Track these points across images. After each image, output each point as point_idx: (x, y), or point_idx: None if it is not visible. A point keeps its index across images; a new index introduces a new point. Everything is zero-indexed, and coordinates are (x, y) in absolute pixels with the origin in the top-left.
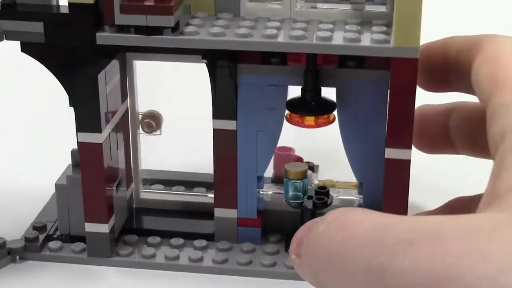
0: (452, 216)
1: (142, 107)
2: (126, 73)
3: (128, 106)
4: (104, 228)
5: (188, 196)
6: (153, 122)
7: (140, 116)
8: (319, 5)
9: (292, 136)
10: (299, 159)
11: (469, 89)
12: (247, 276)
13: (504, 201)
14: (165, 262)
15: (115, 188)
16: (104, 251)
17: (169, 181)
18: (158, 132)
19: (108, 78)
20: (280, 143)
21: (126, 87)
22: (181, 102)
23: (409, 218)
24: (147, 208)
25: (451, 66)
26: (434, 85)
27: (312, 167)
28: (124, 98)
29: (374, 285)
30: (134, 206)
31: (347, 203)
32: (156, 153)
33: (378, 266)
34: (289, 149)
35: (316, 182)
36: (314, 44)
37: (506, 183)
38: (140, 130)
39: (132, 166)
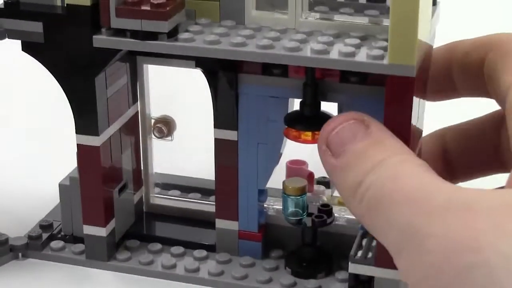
0: (487, 190)
1: (156, 111)
2: (136, 77)
3: (139, 110)
4: (101, 231)
5: (199, 204)
6: (164, 127)
7: (153, 120)
8: (327, 16)
9: (307, 150)
10: (311, 174)
11: (477, 91)
12: None
13: None
14: (161, 271)
15: (116, 191)
16: (101, 254)
17: (183, 187)
18: (169, 138)
19: (109, 81)
20: (294, 157)
21: (136, 91)
22: (196, 108)
23: (450, 187)
24: (157, 214)
25: (457, 69)
26: (439, 93)
27: (327, 183)
28: (133, 101)
29: (406, 242)
30: (144, 210)
31: (354, 223)
32: (169, 158)
33: (413, 226)
34: (302, 163)
35: (324, 199)
36: (307, 57)
37: None
38: (152, 135)
39: (142, 170)
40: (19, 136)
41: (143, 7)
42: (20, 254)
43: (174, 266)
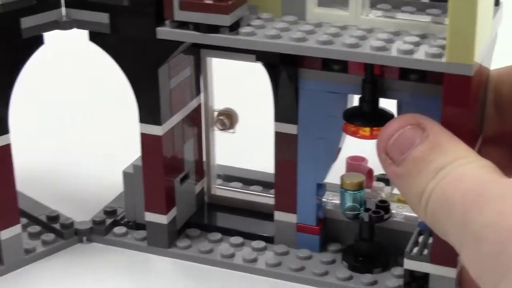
0: None
1: (219, 104)
2: (200, 69)
3: (202, 102)
4: (162, 219)
5: (260, 197)
6: (227, 120)
7: (216, 113)
8: (388, 14)
9: (368, 146)
10: (370, 171)
11: None
12: (296, 282)
13: None
14: (220, 260)
15: (178, 181)
16: (162, 241)
17: (245, 179)
18: (231, 130)
19: (173, 73)
20: (354, 153)
21: (200, 83)
22: (259, 101)
23: (507, 182)
24: (218, 204)
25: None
26: (503, 118)
27: (387, 180)
28: (197, 93)
29: (464, 235)
30: (205, 201)
31: (412, 220)
32: (231, 151)
33: (469, 218)
34: (362, 159)
35: (383, 195)
36: (365, 53)
37: None
38: (215, 127)
39: (204, 161)
40: (90, 123)
41: (206, 1)
42: (84, 238)
43: (232, 256)
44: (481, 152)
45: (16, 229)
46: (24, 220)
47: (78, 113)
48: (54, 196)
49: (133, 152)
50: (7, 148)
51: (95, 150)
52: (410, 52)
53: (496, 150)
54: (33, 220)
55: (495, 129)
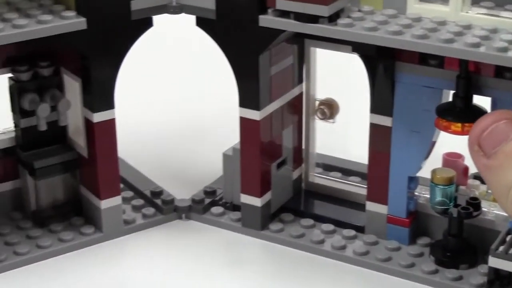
0: None
1: (321, 93)
2: (303, 59)
3: (304, 90)
4: (257, 201)
5: (356, 187)
6: (327, 110)
7: (317, 102)
8: (489, 12)
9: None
10: (466, 168)
11: None
12: (382, 272)
13: None
14: (309, 245)
15: (275, 166)
16: (255, 223)
17: (343, 169)
18: (331, 120)
19: (274, 60)
20: (451, 149)
21: (302, 72)
22: (359, 93)
23: None
24: (314, 192)
25: None
26: None
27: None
28: (298, 82)
29: None
30: (303, 188)
31: (503, 219)
32: (330, 140)
33: None
34: (459, 156)
35: (476, 193)
36: (458, 49)
37: None
38: (315, 116)
39: (303, 149)
40: (198, 105)
41: None
42: (183, 215)
43: (322, 242)
44: None
45: (116, 200)
46: (130, 193)
47: (183, 95)
48: (160, 173)
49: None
50: (111, 122)
51: (200, 131)
52: (505, 50)
53: None
54: (138, 193)
55: None
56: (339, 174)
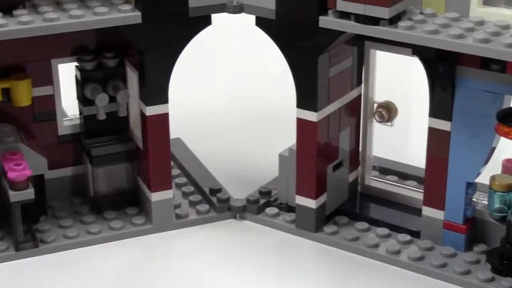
0: None
1: (379, 96)
2: (362, 61)
3: (362, 93)
4: (311, 203)
5: (411, 190)
6: (385, 112)
7: (375, 105)
8: None
9: None
10: None
11: None
12: (436, 278)
13: None
14: (363, 248)
15: (331, 168)
16: (310, 225)
17: (400, 173)
18: (389, 123)
19: (333, 62)
20: None
21: (361, 74)
22: (418, 96)
23: None
24: (370, 195)
25: None
26: None
27: None
28: (357, 84)
29: None
30: (359, 191)
31: None
32: (388, 144)
33: None
34: None
35: None
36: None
37: None
38: (373, 119)
39: (360, 151)
40: (255, 105)
41: None
42: (238, 215)
43: (376, 246)
44: None
45: (167, 194)
46: (191, 188)
47: (240, 95)
48: (216, 172)
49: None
50: (164, 117)
51: (255, 132)
52: None
53: None
54: (199, 189)
55: None
56: (395, 178)
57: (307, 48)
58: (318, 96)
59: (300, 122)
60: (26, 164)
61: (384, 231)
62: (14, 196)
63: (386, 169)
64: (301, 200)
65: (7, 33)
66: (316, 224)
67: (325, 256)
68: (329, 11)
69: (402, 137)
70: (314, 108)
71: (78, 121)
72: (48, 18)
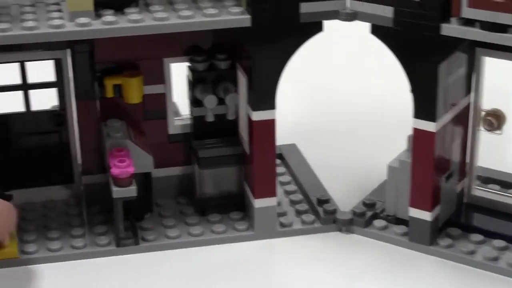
0: None
1: (486, 104)
2: (473, 68)
3: (471, 101)
4: (427, 215)
5: None
6: (494, 120)
7: (483, 113)
8: None
9: None
10: None
11: None
12: None
13: None
14: (483, 262)
15: (444, 179)
16: (424, 238)
17: (505, 182)
18: (498, 131)
19: (450, 70)
20: None
21: (471, 82)
22: None
23: None
24: (477, 205)
25: None
26: None
27: None
28: (467, 92)
29: None
30: (464, 201)
31: None
32: (495, 152)
33: None
34: None
35: None
36: None
37: None
38: (481, 127)
39: (467, 161)
40: (361, 113)
41: None
42: (343, 228)
43: (496, 259)
44: None
45: (270, 201)
46: (300, 197)
47: (348, 103)
48: (326, 179)
49: (395, 147)
50: (271, 123)
51: (360, 140)
52: None
53: None
54: (307, 198)
55: None
56: (497, 187)
57: (427, 57)
58: (438, 106)
59: (417, 132)
60: (131, 161)
61: (500, 243)
62: (117, 192)
63: (488, 178)
64: (415, 213)
65: (117, 31)
66: (431, 237)
67: (442, 269)
68: (452, 19)
69: (509, 145)
70: (433, 118)
71: (188, 121)
72: (157, 17)
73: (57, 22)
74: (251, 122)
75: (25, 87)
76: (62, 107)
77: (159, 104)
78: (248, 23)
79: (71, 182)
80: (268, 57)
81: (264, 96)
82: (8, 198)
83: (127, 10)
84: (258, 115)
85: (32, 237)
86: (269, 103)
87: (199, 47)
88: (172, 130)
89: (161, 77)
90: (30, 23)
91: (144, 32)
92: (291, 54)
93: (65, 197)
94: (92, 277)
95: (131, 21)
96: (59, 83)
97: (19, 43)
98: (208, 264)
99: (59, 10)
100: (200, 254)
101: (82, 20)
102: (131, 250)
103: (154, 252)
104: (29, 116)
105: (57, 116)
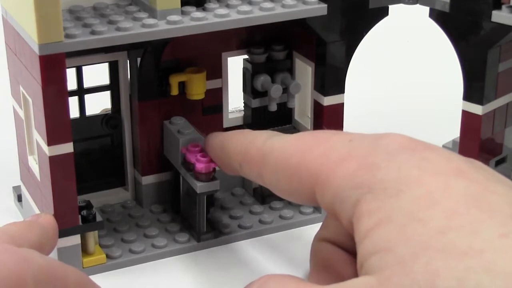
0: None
1: None
2: None
3: None
4: None
5: None
6: None
7: None
8: None
9: None
10: None
11: None
12: None
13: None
14: None
15: (493, 162)
16: None
17: None
18: None
19: (504, 57)
20: None
21: None
22: None
23: None
24: None
25: None
26: None
27: None
28: None
29: None
30: None
31: None
32: None
33: None
34: None
35: None
36: None
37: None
38: None
39: None
40: (421, 96)
41: None
42: None
43: None
44: None
45: None
46: None
47: (408, 85)
48: None
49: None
50: (340, 107)
51: (420, 124)
52: None
53: None
54: None
55: None
56: None
57: (478, 42)
58: (485, 90)
59: (465, 115)
60: (209, 156)
61: None
62: (201, 187)
63: None
64: None
65: (207, 26)
66: None
67: None
68: (503, 6)
69: None
70: (480, 101)
71: (241, 114)
72: (241, 10)
73: (149, 21)
74: (321, 108)
75: (80, 92)
76: (115, 110)
77: (216, 99)
78: (324, 12)
79: (125, 184)
80: (340, 43)
81: (335, 81)
82: (100, 226)
83: (207, 6)
84: (329, 100)
85: (109, 242)
86: (339, 87)
87: (256, 39)
88: (226, 123)
89: (219, 72)
90: (124, 24)
91: (231, 26)
92: (360, 39)
93: (121, 200)
94: (182, 274)
95: (218, 16)
96: (113, 86)
97: (113, 45)
98: (282, 253)
99: (138, 10)
100: (273, 242)
101: (173, 17)
102: (211, 244)
103: (231, 244)
104: (83, 121)
105: (111, 119)
